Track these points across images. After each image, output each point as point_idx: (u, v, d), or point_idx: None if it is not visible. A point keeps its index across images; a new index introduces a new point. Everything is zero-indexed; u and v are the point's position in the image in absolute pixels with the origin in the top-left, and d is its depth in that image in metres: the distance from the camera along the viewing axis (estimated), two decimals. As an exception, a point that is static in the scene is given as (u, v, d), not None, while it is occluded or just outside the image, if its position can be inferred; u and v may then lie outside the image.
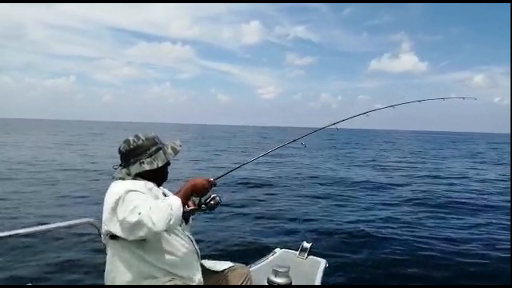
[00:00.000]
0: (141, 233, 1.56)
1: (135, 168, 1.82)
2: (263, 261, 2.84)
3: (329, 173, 14.24)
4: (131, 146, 1.84)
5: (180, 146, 1.95)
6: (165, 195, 1.91)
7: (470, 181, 13.48)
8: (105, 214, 1.69)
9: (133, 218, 1.55)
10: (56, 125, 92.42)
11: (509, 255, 4.94)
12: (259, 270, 2.66)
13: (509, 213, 7.78)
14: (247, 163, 2.32)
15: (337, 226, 6.57)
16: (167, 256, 1.75)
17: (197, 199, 1.97)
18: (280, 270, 2.51)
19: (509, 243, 5.60)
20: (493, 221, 7.18)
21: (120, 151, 1.88)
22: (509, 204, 8.71)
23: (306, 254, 2.84)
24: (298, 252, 2.86)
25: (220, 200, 2.03)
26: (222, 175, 2.14)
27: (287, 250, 3.06)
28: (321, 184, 11.77)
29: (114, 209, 1.63)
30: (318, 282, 2.56)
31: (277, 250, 3.06)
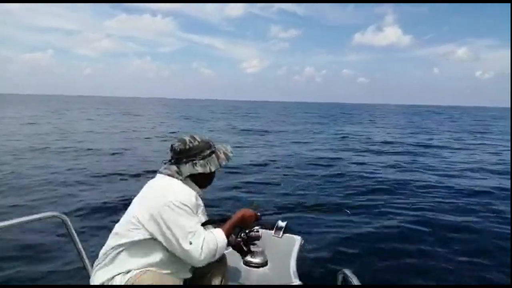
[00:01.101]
0: (183, 258, 1.70)
1: (187, 169, 1.83)
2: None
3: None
4: (187, 146, 1.84)
5: (231, 152, 1.98)
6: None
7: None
8: (146, 206, 1.71)
9: (185, 245, 1.66)
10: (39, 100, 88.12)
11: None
12: (234, 252, 2.66)
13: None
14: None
15: (314, 202, 6.68)
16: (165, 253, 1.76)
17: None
18: (255, 250, 2.52)
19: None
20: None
21: (173, 149, 1.88)
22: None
23: (281, 233, 2.86)
24: (273, 232, 2.88)
25: (260, 235, 2.13)
26: (268, 213, 2.25)
27: (261, 230, 3.07)
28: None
29: (166, 215, 1.66)
30: (293, 259, 2.59)
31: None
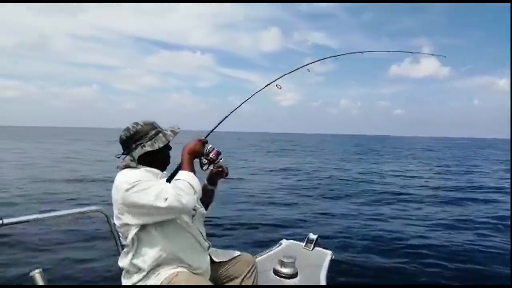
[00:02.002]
0: (173, 215, 1.71)
1: (137, 152, 1.83)
2: (269, 252, 2.86)
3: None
4: (131, 132, 1.86)
5: (179, 128, 1.97)
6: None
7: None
8: (117, 205, 1.71)
9: (162, 204, 1.62)
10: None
11: None
12: (265, 260, 2.69)
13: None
14: (229, 114, 2.18)
15: (346, 220, 6.58)
16: (178, 247, 1.79)
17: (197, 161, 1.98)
18: (286, 260, 2.53)
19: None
20: None
21: (121, 139, 1.90)
22: None
23: (312, 246, 2.85)
24: (304, 244, 2.88)
25: (218, 150, 2.02)
26: (210, 132, 2.11)
27: (293, 241, 3.08)
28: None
29: (128, 200, 1.65)
30: (323, 273, 2.57)
31: (283, 241, 3.08)
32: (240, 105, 2.27)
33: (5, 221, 1.79)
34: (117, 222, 1.76)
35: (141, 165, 1.86)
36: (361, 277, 4.10)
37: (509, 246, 5.33)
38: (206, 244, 1.96)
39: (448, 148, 48.58)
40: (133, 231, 1.71)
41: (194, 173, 1.81)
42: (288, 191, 9.95)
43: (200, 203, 2.04)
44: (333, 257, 2.85)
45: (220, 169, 2.08)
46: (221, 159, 2.04)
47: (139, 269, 1.76)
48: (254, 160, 21.12)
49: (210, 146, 2.01)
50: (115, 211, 1.75)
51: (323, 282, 2.45)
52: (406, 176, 14.65)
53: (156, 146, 1.84)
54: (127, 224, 1.71)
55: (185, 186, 1.70)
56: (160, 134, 1.88)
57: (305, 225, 6.13)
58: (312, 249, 2.84)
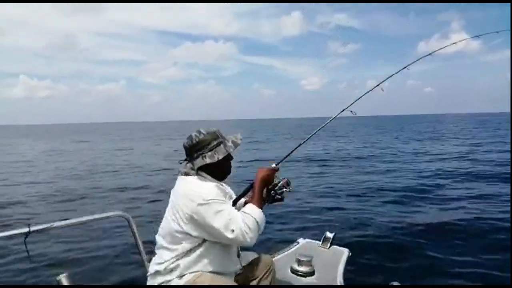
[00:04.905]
0: (232, 244, 1.86)
1: (198, 162, 1.88)
2: (286, 251, 2.91)
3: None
4: (194, 141, 1.90)
5: (241, 139, 2.01)
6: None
7: None
8: (183, 213, 1.79)
9: (228, 235, 1.75)
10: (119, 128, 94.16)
11: None
12: (283, 260, 2.73)
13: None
14: (303, 142, 2.26)
15: (363, 216, 6.56)
16: (218, 261, 1.89)
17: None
18: (302, 259, 2.58)
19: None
20: None
21: (184, 147, 1.95)
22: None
23: (328, 244, 2.88)
24: (321, 242, 2.91)
25: (289, 182, 2.02)
26: (283, 159, 2.15)
27: (310, 240, 3.11)
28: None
29: (199, 215, 1.75)
30: (340, 271, 2.61)
31: (300, 240, 3.12)
32: (314, 133, 2.36)
33: (32, 228, 1.89)
34: (173, 226, 1.83)
35: (202, 173, 1.92)
36: (378, 275, 4.10)
37: None
38: (238, 262, 2.06)
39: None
40: (189, 240, 1.81)
41: (262, 207, 1.89)
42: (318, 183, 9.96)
43: None
44: (350, 254, 2.88)
45: (282, 201, 2.05)
46: (289, 189, 2.02)
47: (171, 271, 1.84)
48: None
49: (280, 179, 2.02)
50: (175, 215, 1.83)
51: (340, 280, 2.49)
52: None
53: (215, 158, 1.89)
54: (186, 233, 1.80)
55: (253, 225, 1.79)
56: (221, 145, 1.92)
57: (323, 222, 6.14)
58: (329, 247, 2.87)
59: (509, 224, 5.77)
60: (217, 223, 1.74)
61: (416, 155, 16.84)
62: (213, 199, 1.77)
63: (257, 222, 1.81)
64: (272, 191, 2.00)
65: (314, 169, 13.01)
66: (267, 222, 1.89)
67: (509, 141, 20.80)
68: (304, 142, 2.27)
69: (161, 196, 8.13)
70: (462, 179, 10.37)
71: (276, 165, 2.05)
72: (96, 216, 2.32)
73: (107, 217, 2.38)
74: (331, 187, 9.49)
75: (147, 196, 8.61)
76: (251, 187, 2.00)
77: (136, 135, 48.73)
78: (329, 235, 2.95)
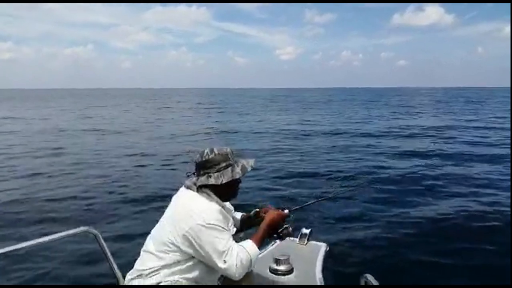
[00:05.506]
0: (221, 274, 1.90)
1: (201, 181, 1.90)
2: (264, 251, 2.86)
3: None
4: (203, 159, 1.93)
5: (252, 166, 2.01)
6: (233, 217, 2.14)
7: None
8: (180, 227, 1.79)
9: (219, 264, 1.77)
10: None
11: None
12: (261, 260, 2.67)
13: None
14: (322, 199, 2.63)
15: (338, 209, 6.61)
16: (206, 271, 1.90)
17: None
18: (280, 258, 2.55)
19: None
20: None
21: (194, 162, 1.98)
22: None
23: (306, 240, 2.87)
24: (298, 239, 2.89)
25: (291, 231, 2.15)
26: (296, 209, 2.30)
27: (287, 238, 3.09)
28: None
29: (197, 235, 1.76)
30: (319, 266, 2.60)
31: (278, 240, 3.10)
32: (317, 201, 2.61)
33: None
34: (168, 235, 1.82)
35: (207, 191, 1.92)
36: (357, 266, 4.15)
37: None
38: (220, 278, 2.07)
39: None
40: (178, 253, 1.80)
41: (259, 247, 1.97)
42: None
43: None
44: (328, 248, 2.88)
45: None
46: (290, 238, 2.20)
47: (151, 277, 1.82)
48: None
49: (287, 225, 2.14)
50: (173, 226, 1.82)
51: (318, 275, 2.48)
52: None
53: (219, 181, 1.88)
54: (178, 247, 1.79)
55: (247, 261, 1.83)
56: (229, 169, 1.92)
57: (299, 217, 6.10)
58: (306, 243, 2.86)
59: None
60: (212, 249, 1.76)
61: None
62: (215, 225, 1.78)
63: (251, 261, 1.86)
64: (276, 236, 2.13)
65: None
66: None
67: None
68: (318, 201, 2.54)
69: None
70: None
71: (289, 211, 2.16)
72: (59, 234, 2.18)
73: (72, 235, 2.24)
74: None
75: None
76: (254, 216, 2.13)
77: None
78: (306, 231, 2.93)
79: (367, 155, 11.98)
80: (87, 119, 26.76)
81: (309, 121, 23.55)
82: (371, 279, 1.63)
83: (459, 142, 14.69)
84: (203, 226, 1.76)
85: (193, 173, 2.00)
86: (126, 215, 6.51)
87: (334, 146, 13.54)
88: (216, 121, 24.47)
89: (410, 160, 11.52)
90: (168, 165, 10.82)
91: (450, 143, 14.56)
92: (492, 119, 24.75)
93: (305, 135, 16.72)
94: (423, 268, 4.31)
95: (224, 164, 1.92)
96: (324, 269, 2.57)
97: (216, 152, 1.94)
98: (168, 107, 40.86)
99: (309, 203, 2.45)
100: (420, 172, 9.69)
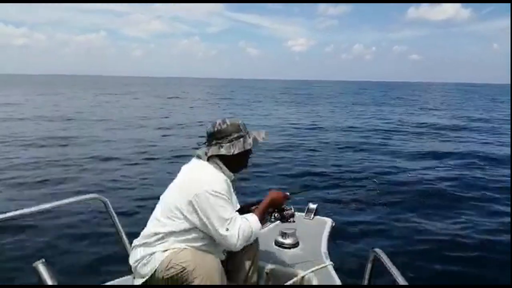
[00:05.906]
0: (219, 242, 1.84)
1: (212, 150, 1.89)
2: (270, 225, 2.88)
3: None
4: (215, 129, 1.92)
5: (263, 138, 2.00)
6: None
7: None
8: (188, 194, 1.79)
9: (222, 231, 1.78)
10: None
11: None
12: (267, 233, 2.71)
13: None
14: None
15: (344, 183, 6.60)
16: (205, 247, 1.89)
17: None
18: (287, 231, 2.56)
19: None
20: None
21: (206, 132, 1.97)
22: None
23: (312, 215, 2.87)
24: (304, 214, 2.90)
25: (294, 212, 2.16)
26: (298, 192, 2.38)
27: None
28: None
29: (204, 203, 1.76)
30: (324, 240, 2.62)
31: (280, 221, 3.11)
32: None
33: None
34: (176, 202, 1.82)
35: (217, 161, 1.91)
36: (361, 244, 4.17)
37: None
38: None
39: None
40: (185, 221, 1.81)
41: (261, 222, 1.96)
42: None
43: None
44: (334, 224, 2.89)
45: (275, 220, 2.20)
46: (291, 221, 2.17)
47: (157, 244, 1.83)
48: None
49: (289, 207, 2.15)
50: (178, 194, 1.84)
51: (324, 249, 2.50)
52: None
53: (231, 152, 1.88)
54: (184, 214, 1.80)
55: (247, 234, 1.84)
56: (241, 140, 1.91)
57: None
58: (313, 218, 2.86)
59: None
60: (216, 217, 1.76)
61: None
62: (221, 193, 1.79)
63: (251, 233, 1.86)
64: (277, 215, 2.12)
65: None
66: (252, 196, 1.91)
67: None
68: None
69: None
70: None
71: (290, 194, 2.14)
72: (69, 200, 2.20)
73: (82, 200, 2.26)
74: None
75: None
76: (257, 203, 2.08)
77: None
78: (312, 206, 2.92)
79: (375, 154, 10.69)
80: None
81: (319, 115, 22.28)
82: (380, 253, 1.63)
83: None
84: (209, 193, 1.76)
85: (204, 143, 1.99)
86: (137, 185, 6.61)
87: (340, 143, 12.49)
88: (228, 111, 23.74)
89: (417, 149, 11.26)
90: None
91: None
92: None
93: (312, 128, 15.94)
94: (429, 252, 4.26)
95: (236, 135, 1.91)
96: (330, 244, 2.59)
97: (228, 123, 1.93)
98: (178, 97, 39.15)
99: (310, 189, 2.45)
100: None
